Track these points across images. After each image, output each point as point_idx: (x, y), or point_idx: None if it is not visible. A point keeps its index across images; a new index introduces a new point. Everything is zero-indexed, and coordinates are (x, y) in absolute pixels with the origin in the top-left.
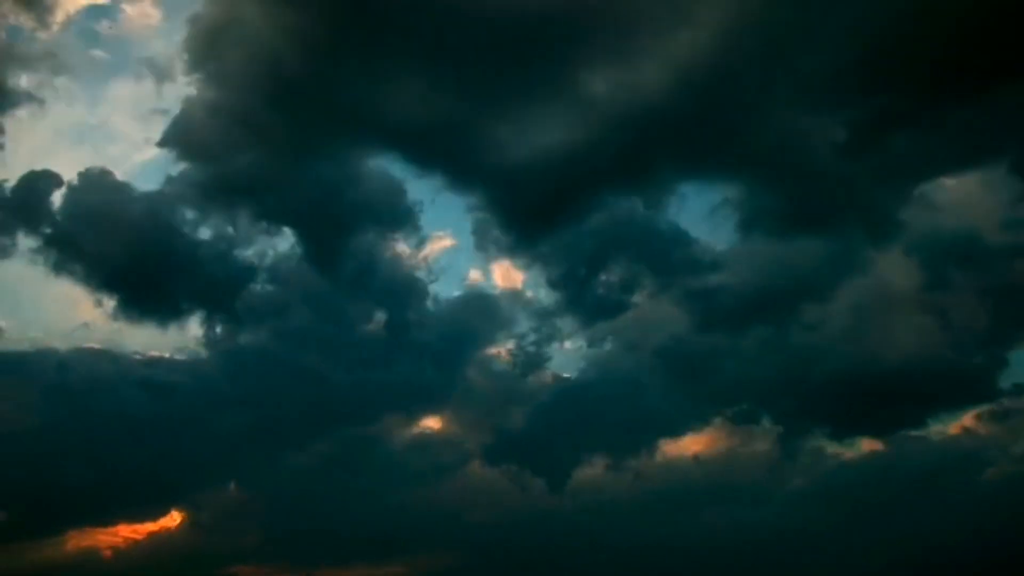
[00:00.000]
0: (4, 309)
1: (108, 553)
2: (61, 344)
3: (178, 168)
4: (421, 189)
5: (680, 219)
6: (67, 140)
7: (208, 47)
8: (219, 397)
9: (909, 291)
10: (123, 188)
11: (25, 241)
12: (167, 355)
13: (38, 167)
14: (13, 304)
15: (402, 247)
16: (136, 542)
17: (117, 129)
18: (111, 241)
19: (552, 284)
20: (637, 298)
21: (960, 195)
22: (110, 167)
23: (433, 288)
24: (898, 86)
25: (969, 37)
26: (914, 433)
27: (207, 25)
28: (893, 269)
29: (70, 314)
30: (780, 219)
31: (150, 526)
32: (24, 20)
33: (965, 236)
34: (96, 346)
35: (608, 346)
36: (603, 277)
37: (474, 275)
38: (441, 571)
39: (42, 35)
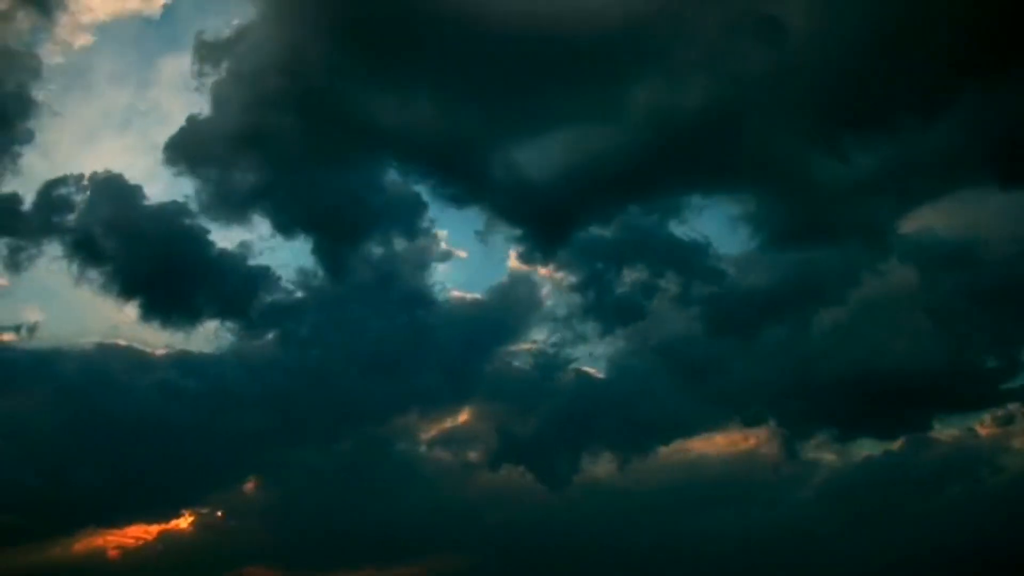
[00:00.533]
0: (38, 308)
1: (118, 553)
2: (88, 342)
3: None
4: (442, 198)
5: (694, 231)
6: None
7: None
8: (234, 398)
9: (919, 297)
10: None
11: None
12: (194, 350)
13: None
14: (46, 303)
15: (422, 254)
16: (147, 542)
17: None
18: (129, 249)
19: (572, 289)
20: (654, 304)
21: (967, 205)
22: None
23: (454, 292)
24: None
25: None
26: (922, 436)
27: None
28: (902, 277)
29: (99, 313)
30: (792, 231)
31: (161, 527)
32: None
33: (974, 244)
34: (122, 342)
35: (626, 350)
36: (621, 284)
37: (495, 281)
38: (454, 573)
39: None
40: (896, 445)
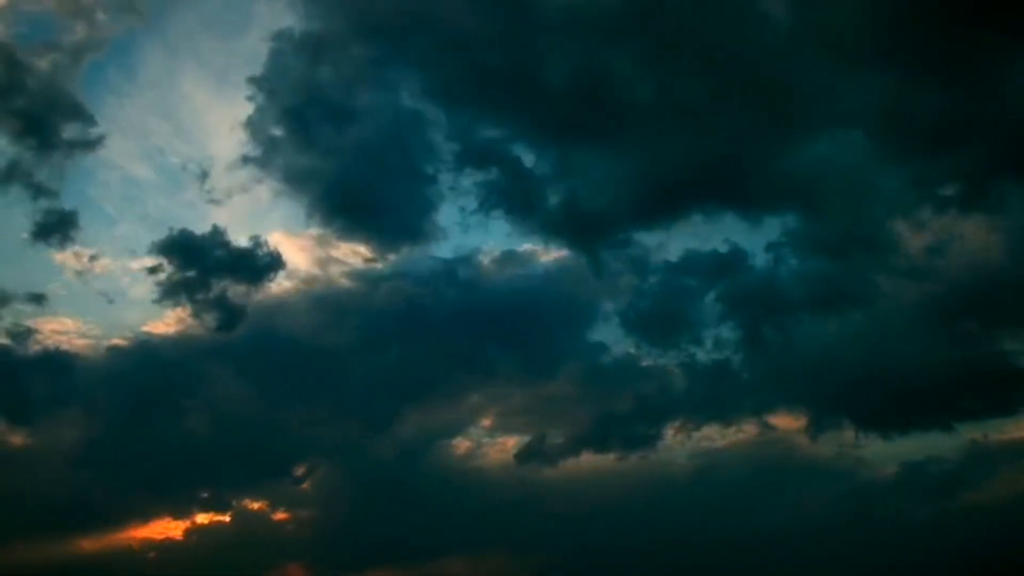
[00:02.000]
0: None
1: (156, 547)
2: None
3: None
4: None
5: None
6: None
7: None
8: (284, 387)
9: (946, 300)
10: None
11: None
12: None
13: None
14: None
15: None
16: (182, 537)
17: None
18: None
19: (619, 296)
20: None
21: None
22: None
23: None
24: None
25: None
26: (945, 436)
27: None
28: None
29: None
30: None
31: (198, 520)
32: None
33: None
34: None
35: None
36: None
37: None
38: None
39: None
40: (921, 444)
